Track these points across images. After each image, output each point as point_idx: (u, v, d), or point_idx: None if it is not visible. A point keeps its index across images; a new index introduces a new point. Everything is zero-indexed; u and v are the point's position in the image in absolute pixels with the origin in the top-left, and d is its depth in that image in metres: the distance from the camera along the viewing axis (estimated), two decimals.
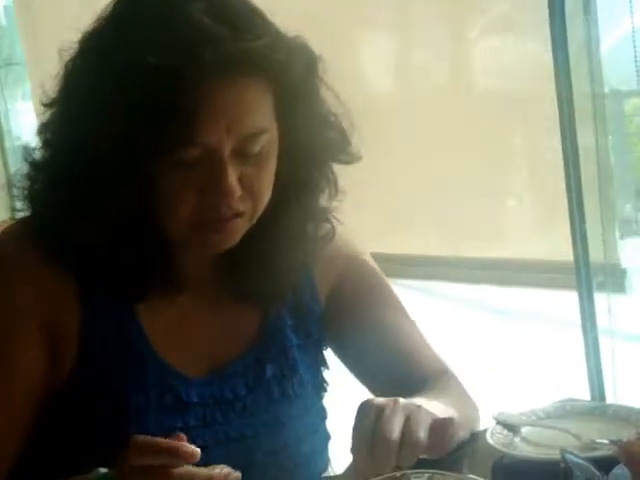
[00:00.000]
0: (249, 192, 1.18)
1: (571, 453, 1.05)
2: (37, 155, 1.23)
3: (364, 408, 1.06)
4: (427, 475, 0.96)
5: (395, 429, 1.03)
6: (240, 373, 1.28)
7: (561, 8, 2.47)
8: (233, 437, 1.25)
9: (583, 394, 2.50)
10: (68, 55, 1.20)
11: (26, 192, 1.24)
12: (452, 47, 3.62)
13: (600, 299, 2.67)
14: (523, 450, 1.26)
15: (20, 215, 1.27)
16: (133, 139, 1.12)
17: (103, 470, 1.04)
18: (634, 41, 2.80)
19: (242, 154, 1.16)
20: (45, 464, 1.22)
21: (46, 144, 1.22)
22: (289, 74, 1.17)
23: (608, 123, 2.94)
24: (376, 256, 1.42)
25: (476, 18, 3.56)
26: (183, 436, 1.03)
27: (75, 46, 1.19)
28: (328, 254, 1.33)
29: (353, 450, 1.04)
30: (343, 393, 1.48)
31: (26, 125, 4.67)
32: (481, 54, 3.55)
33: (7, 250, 1.24)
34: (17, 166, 1.26)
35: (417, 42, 3.70)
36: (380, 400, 1.07)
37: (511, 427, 1.30)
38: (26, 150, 1.24)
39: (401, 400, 1.07)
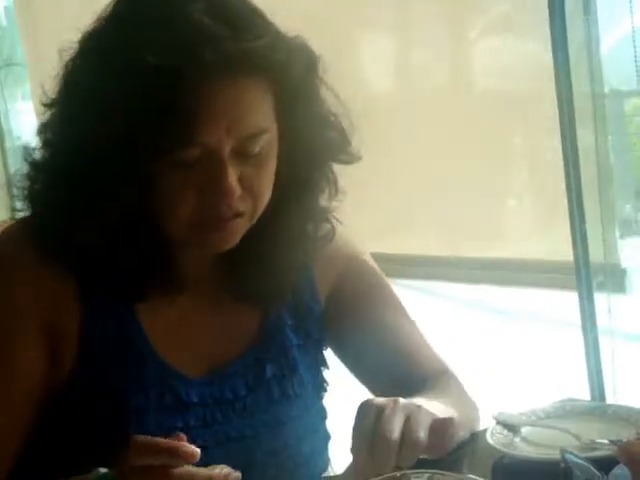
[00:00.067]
0: (249, 192, 1.18)
1: (571, 453, 1.05)
2: (37, 155, 1.23)
3: (364, 408, 1.06)
4: (427, 475, 0.96)
5: (395, 429, 1.03)
6: (240, 373, 1.28)
7: (561, 8, 2.47)
8: (233, 437, 1.25)
9: (583, 394, 2.50)
10: (68, 55, 1.20)
11: (26, 192, 1.24)
12: (452, 47, 3.62)
13: (600, 299, 2.67)
14: (523, 450, 1.26)
15: (20, 215, 1.27)
16: (133, 139, 1.12)
17: (103, 470, 1.04)
18: (634, 41, 2.80)
19: (242, 154, 1.16)
20: (45, 464, 1.22)
21: (46, 144, 1.22)
22: (289, 74, 1.17)
23: (608, 123, 2.94)
24: (376, 256, 1.42)
25: (476, 18, 3.56)
26: (183, 436, 1.03)
27: (75, 46, 1.19)
28: (328, 254, 1.33)
29: (353, 450, 1.04)
30: (343, 393, 1.48)
31: (26, 125, 4.67)
32: (481, 54, 3.55)
33: (7, 250, 1.24)
34: (17, 166, 1.26)
35: (417, 42, 3.70)
36: (380, 400, 1.07)
37: (511, 427, 1.30)
38: (26, 150, 1.24)
39: (401, 400, 1.07)
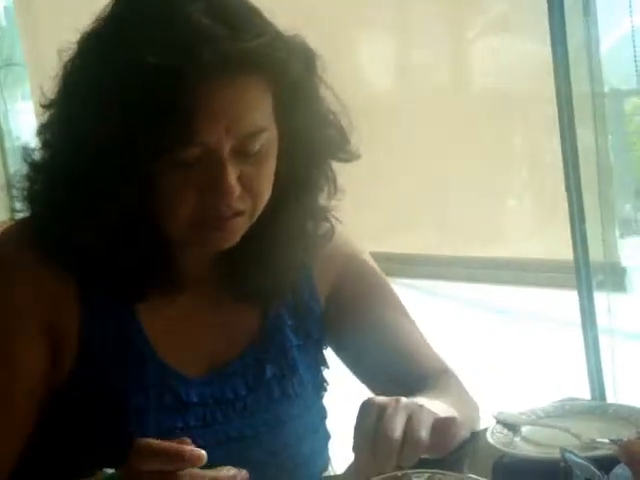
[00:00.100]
0: (249, 191, 1.17)
1: (571, 452, 1.05)
2: (37, 156, 1.23)
3: (366, 407, 1.06)
4: (427, 475, 0.96)
5: (397, 428, 1.03)
6: (240, 373, 1.28)
7: (560, 7, 2.47)
8: (233, 437, 1.25)
9: (583, 393, 2.50)
10: (67, 56, 1.19)
11: (26, 193, 1.24)
12: (451, 47, 3.63)
13: (600, 298, 2.67)
14: (523, 449, 1.26)
15: (20, 216, 1.27)
16: (132, 139, 1.12)
17: (110, 471, 1.04)
18: (634, 40, 2.80)
19: (242, 153, 1.16)
20: (45, 464, 1.22)
21: (46, 145, 1.22)
22: (288, 73, 1.17)
23: (608, 122, 2.94)
24: (376, 255, 1.42)
25: (475, 18, 3.56)
26: (188, 440, 1.02)
27: (74, 46, 1.19)
28: (327, 253, 1.33)
29: (355, 449, 1.04)
30: (343, 393, 1.48)
31: (26, 126, 4.67)
32: (481, 54, 3.55)
33: (7, 251, 1.24)
34: (17, 167, 1.26)
35: (417, 42, 3.70)
36: (382, 399, 1.07)
37: (511, 426, 1.31)
38: (26, 151, 1.24)
39: (403, 399, 1.07)
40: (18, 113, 4.82)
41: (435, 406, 1.11)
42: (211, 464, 1.02)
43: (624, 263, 3.13)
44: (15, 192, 1.25)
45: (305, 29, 1.22)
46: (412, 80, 3.73)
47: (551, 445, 1.22)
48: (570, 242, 2.58)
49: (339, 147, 1.27)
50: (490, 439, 1.27)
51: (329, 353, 1.38)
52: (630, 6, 2.78)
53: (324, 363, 1.38)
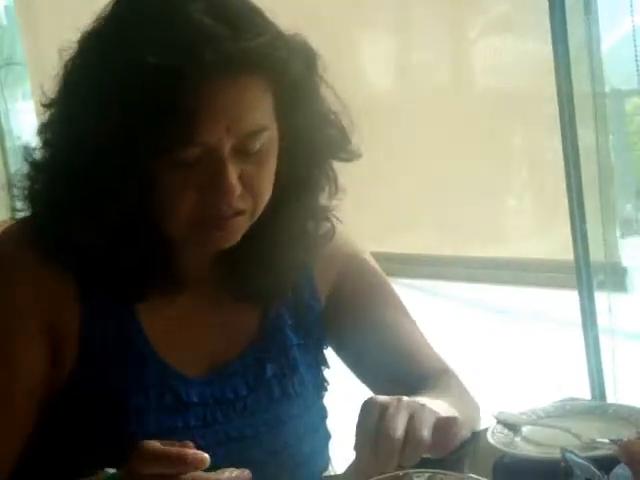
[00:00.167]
0: (249, 190, 1.17)
1: (571, 452, 1.05)
2: (37, 155, 1.23)
3: (368, 406, 1.06)
4: (428, 474, 0.96)
5: (399, 427, 1.02)
6: (240, 373, 1.27)
7: (561, 7, 2.47)
8: (233, 437, 1.25)
9: (584, 393, 2.50)
10: (68, 55, 1.19)
11: (26, 192, 1.24)
12: (452, 47, 3.62)
13: (600, 298, 2.67)
14: (524, 449, 1.26)
15: (20, 215, 1.27)
16: (133, 139, 1.11)
17: (111, 471, 1.03)
18: (635, 40, 2.79)
19: (242, 152, 1.16)
20: (45, 464, 1.22)
21: (46, 144, 1.22)
22: (289, 72, 1.17)
23: (609, 122, 2.93)
24: (376, 255, 1.42)
25: (476, 18, 3.56)
26: (190, 444, 1.02)
27: (75, 46, 1.19)
28: (328, 253, 1.33)
29: (356, 448, 1.04)
30: (343, 392, 1.48)
31: (26, 125, 4.66)
32: (481, 54, 3.54)
33: (7, 250, 1.24)
34: (17, 166, 1.26)
35: (417, 42, 3.70)
36: (384, 398, 1.07)
37: (512, 426, 1.31)
38: (26, 150, 1.24)
39: (405, 398, 1.07)
40: (18, 112, 4.82)
41: (437, 405, 1.11)
42: (213, 465, 1.02)
43: (625, 263, 3.13)
44: (16, 191, 1.25)
45: (305, 29, 1.22)
46: (413, 80, 3.73)
47: (551, 445, 1.22)
48: (571, 242, 2.58)
49: (340, 147, 1.26)
50: (490, 439, 1.27)
51: (329, 353, 1.38)
52: (631, 6, 2.78)
53: (324, 363, 1.38)
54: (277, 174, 1.21)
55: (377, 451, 1.02)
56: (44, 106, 1.22)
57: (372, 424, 1.03)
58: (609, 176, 2.89)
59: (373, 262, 1.40)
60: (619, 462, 1.06)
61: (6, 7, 4.94)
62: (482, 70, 3.57)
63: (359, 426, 1.05)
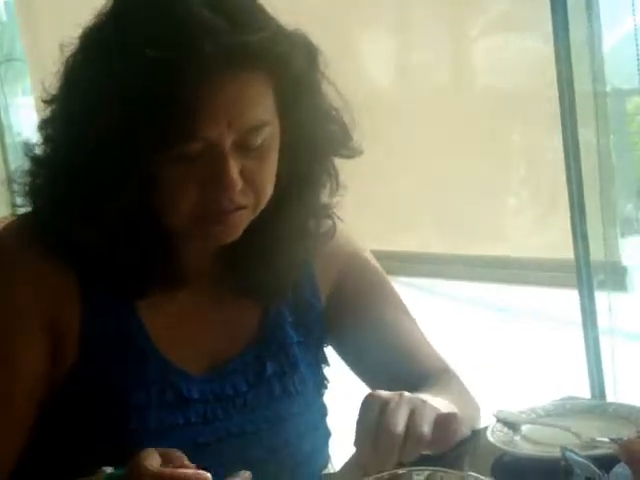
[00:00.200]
0: (251, 185, 1.17)
1: (571, 451, 1.05)
2: (38, 151, 1.23)
3: (368, 401, 1.06)
4: (428, 472, 0.96)
5: (400, 422, 1.02)
6: (240, 370, 1.27)
7: (563, 6, 2.47)
8: (234, 433, 1.25)
9: (583, 392, 2.50)
10: (68, 51, 1.19)
11: (27, 188, 1.24)
12: (453, 46, 3.62)
13: (601, 297, 2.67)
14: (523, 448, 1.26)
15: (21, 211, 1.27)
16: (134, 134, 1.11)
17: (109, 469, 1.03)
18: (636, 40, 2.79)
19: (244, 147, 1.15)
20: (46, 462, 1.22)
21: (47, 139, 1.22)
22: (290, 67, 1.16)
23: (610, 122, 2.93)
24: (377, 254, 1.42)
25: (477, 16, 3.56)
26: (189, 463, 1.01)
27: (75, 42, 1.19)
28: (329, 251, 1.33)
29: (357, 443, 1.03)
30: (344, 390, 1.48)
31: (27, 121, 4.66)
32: (482, 53, 3.54)
33: (8, 247, 1.24)
34: (18, 162, 1.26)
35: (417, 41, 3.70)
36: (385, 393, 1.06)
37: (511, 425, 1.30)
38: (27, 146, 1.24)
39: (406, 394, 1.07)
40: (18, 108, 4.82)
41: (437, 402, 1.11)
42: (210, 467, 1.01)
43: (625, 262, 3.13)
44: (16, 187, 1.25)
45: (306, 29, 1.22)
46: (413, 80, 3.72)
47: (551, 444, 1.22)
48: (571, 241, 2.58)
49: (341, 143, 1.26)
50: (490, 438, 1.26)
51: (330, 351, 1.38)
52: (633, 5, 2.78)
53: (325, 361, 1.37)
54: (279, 171, 1.21)
55: (377, 446, 1.01)
56: (45, 102, 1.21)
57: (373, 419, 1.03)
58: (610, 175, 2.89)
59: (374, 261, 1.40)
60: (619, 461, 1.06)
61: (6, 3, 4.94)
62: (482, 69, 3.57)
63: (359, 421, 1.04)
